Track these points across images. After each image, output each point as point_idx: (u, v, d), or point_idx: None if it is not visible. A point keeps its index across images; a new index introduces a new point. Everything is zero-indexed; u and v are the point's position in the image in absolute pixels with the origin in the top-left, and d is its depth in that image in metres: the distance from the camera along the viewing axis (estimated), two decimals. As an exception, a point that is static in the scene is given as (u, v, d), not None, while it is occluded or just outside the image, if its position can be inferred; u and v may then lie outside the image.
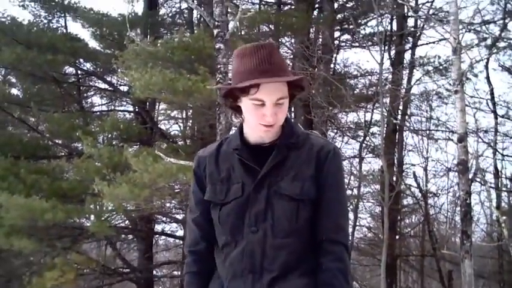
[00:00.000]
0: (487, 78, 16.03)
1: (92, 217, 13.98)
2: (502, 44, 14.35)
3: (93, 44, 16.62)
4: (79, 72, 17.33)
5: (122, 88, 16.89)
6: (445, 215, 20.15)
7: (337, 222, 2.39)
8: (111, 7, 40.93)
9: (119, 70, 12.19)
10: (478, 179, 15.05)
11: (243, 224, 2.33)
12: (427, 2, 16.70)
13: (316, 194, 2.35)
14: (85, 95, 18.10)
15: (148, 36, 14.53)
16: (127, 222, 16.75)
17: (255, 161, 2.36)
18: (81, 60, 16.67)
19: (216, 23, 10.00)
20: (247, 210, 2.33)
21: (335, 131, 17.29)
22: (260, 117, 2.30)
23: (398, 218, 18.32)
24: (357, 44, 17.35)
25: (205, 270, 2.47)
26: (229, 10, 11.24)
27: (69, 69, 17.32)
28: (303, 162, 2.37)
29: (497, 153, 17.23)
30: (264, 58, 2.29)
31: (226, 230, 2.37)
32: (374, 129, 17.18)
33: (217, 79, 10.14)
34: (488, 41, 14.14)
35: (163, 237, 19.68)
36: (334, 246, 2.35)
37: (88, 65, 17.26)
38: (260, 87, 2.26)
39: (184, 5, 18.39)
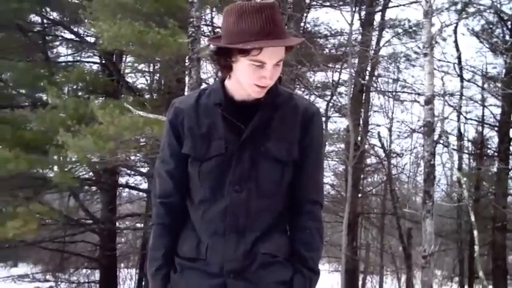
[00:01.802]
0: (455, 42, 16.15)
1: (56, 168, 13.84)
2: (471, 9, 14.40)
3: (60, -8, 16.17)
4: (45, 21, 16.81)
5: (88, 39, 16.43)
6: (407, 175, 20.49)
7: (317, 183, 2.44)
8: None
9: (87, 20, 11.91)
10: (441, 141, 15.27)
11: (224, 181, 2.31)
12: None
13: (300, 156, 2.35)
14: (50, 44, 17.57)
15: (118, -13, 14.21)
16: (91, 174, 16.61)
17: (238, 119, 2.32)
18: (48, 9, 16.16)
19: (190, -26, 9.85)
20: (231, 169, 2.30)
21: (303, 89, 17.29)
22: (257, 78, 2.24)
23: (362, 176, 18.59)
24: (328, 4, 17.17)
25: (176, 222, 2.43)
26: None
27: (35, 18, 16.83)
28: (288, 123, 2.36)
29: (461, 116, 17.52)
30: (269, 19, 2.19)
31: (206, 186, 2.34)
32: (341, 89, 17.29)
33: (190, 33, 10.02)
34: (459, 6, 14.17)
35: (126, 189, 19.62)
36: (313, 206, 2.40)
37: (55, 14, 16.74)
38: (263, 49, 2.19)
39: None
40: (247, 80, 2.26)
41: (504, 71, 15.89)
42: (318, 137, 2.43)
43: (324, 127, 2.57)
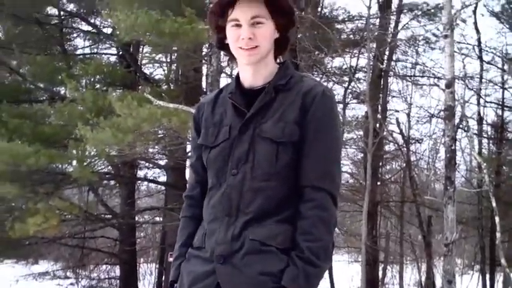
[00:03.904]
0: (475, 24, 15.95)
1: (74, 162, 13.81)
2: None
3: (76, -16, 16.16)
4: (62, 13, 16.68)
5: (105, 30, 16.40)
6: (426, 161, 20.29)
7: (322, 167, 2.28)
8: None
9: (103, 11, 11.87)
10: (461, 126, 15.11)
11: (227, 166, 2.31)
12: None
13: (300, 137, 2.27)
14: (68, 37, 17.49)
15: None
16: (109, 167, 16.58)
17: (245, 104, 2.34)
18: (64, 0, 16.17)
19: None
20: (232, 153, 2.30)
21: (320, 75, 17.11)
22: (237, 39, 2.30)
23: (380, 164, 18.38)
24: (345, -12, 17.06)
25: (198, 215, 2.44)
26: None
27: (52, 10, 16.72)
28: (289, 104, 2.31)
29: (480, 100, 17.32)
30: None
31: (212, 172, 2.36)
32: (359, 74, 17.11)
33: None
34: (479, -14, 13.99)
35: (145, 183, 19.58)
36: (315, 193, 2.24)
37: (71, 6, 16.75)
38: (235, 6, 2.27)
39: None
40: (232, 45, 2.33)
41: (524, 51, 15.68)
42: (322, 117, 2.29)
43: (334, 109, 2.43)
